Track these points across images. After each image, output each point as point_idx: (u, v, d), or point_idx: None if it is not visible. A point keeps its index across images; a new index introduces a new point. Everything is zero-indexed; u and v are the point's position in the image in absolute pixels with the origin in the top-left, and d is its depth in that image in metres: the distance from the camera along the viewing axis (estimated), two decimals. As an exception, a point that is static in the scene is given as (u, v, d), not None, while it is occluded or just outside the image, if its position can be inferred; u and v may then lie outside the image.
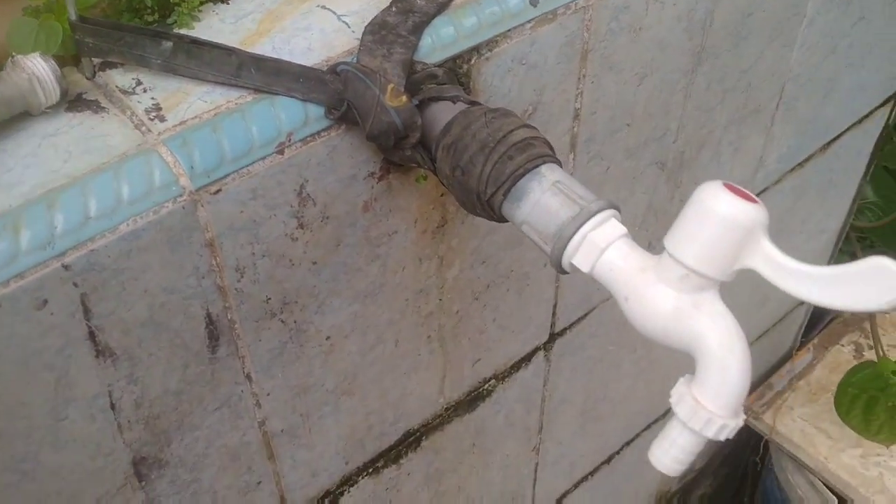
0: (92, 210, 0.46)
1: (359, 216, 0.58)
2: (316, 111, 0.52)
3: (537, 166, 0.50)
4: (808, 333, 1.56)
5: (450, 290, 0.71)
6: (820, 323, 1.55)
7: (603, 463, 1.23)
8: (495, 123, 0.51)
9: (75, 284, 0.47)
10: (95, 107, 0.51)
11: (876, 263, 0.40)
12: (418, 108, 0.53)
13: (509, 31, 0.58)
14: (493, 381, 0.86)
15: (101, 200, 0.46)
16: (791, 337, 1.52)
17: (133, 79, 0.53)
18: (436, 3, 0.57)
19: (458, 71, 0.57)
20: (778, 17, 0.79)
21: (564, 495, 1.19)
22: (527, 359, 0.88)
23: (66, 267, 0.46)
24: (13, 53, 0.49)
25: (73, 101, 0.52)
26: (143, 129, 0.50)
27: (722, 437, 0.46)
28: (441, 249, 0.67)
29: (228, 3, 0.58)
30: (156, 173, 0.48)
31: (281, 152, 0.51)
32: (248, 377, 0.61)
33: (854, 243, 1.44)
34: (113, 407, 0.54)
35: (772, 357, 1.50)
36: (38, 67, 0.48)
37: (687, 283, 0.45)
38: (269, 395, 0.63)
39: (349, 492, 0.79)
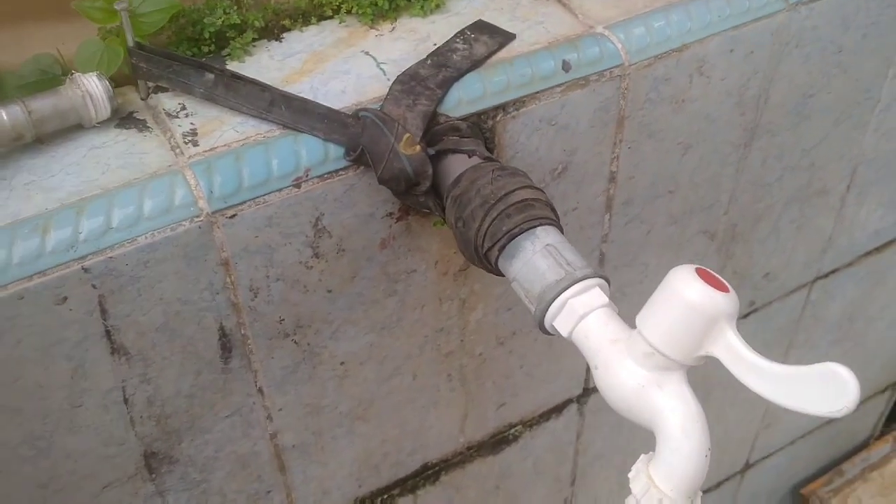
0: (115, 221, 0.51)
1: (376, 252, 0.61)
2: (336, 151, 0.55)
3: (533, 227, 0.52)
4: (891, 423, 1.49)
5: (472, 332, 0.73)
6: (905, 415, 1.48)
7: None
8: (500, 181, 0.53)
9: (94, 286, 0.51)
10: (142, 126, 0.56)
11: (828, 369, 0.40)
12: (435, 158, 0.56)
13: (538, 92, 0.60)
14: (519, 427, 0.87)
15: (124, 213, 0.51)
16: (870, 424, 1.45)
17: (179, 103, 0.57)
18: (470, 60, 0.59)
19: (482, 126, 0.59)
20: (846, 99, 0.78)
21: (601, 553, 1.18)
22: (557, 410, 0.88)
23: (85, 270, 0.50)
24: (73, 71, 0.54)
25: (124, 118, 0.57)
26: (178, 150, 0.54)
27: (671, 519, 0.46)
28: (463, 292, 0.69)
29: (281, 42, 0.62)
30: (178, 193, 0.52)
31: (297, 186, 0.54)
32: (261, 391, 0.64)
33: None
34: (126, 401, 0.58)
35: (845, 443, 1.44)
36: (93, 86, 0.54)
37: (652, 361, 0.45)
38: (280, 410, 0.66)
39: (362, 514, 0.82)
